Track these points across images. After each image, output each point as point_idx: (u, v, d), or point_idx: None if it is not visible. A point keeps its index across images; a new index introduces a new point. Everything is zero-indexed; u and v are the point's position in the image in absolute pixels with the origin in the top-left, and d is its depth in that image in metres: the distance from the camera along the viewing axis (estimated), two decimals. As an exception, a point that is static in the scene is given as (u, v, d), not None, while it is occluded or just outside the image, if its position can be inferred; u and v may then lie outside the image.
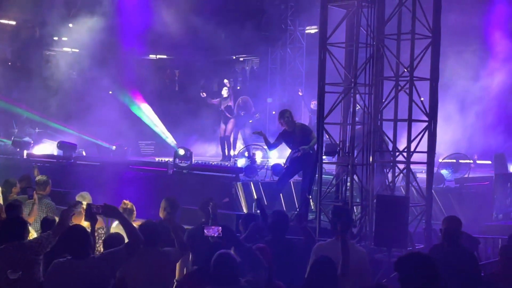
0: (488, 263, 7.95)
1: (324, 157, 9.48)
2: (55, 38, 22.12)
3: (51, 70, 21.92)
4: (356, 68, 8.87)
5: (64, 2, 18.99)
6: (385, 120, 9.11)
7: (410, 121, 8.59)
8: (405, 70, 8.66)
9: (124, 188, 11.17)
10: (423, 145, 8.85)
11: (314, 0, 17.48)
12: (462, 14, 15.73)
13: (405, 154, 8.73)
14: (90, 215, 5.89)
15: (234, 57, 24.98)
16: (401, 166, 8.83)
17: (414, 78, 8.58)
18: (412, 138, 8.69)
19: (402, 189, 9.80)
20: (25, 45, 23.23)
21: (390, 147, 9.00)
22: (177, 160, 13.13)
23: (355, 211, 9.31)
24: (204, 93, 16.60)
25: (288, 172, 10.90)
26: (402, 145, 8.89)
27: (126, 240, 5.71)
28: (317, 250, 6.16)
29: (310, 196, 9.88)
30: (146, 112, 16.52)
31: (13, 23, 23.77)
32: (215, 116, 17.33)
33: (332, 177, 9.85)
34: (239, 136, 16.82)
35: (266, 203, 11.03)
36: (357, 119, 9.35)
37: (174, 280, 6.41)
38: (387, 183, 8.90)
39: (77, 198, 8.61)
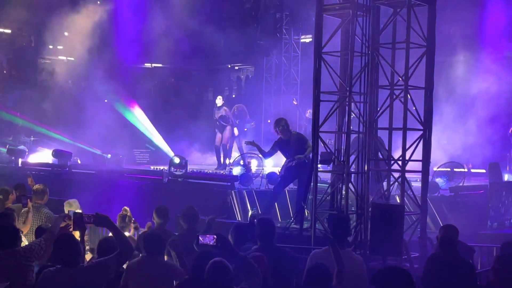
0: (483, 271, 7.95)
1: (319, 165, 9.49)
2: (51, 47, 22.14)
3: (47, 78, 21.93)
4: (351, 77, 8.90)
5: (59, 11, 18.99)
6: (380, 128, 9.14)
7: (405, 129, 8.61)
8: (400, 79, 8.69)
9: (119, 197, 11.16)
10: (418, 154, 8.87)
11: (309, 9, 17.58)
12: (456, 24, 15.83)
13: (400, 162, 8.74)
14: (79, 224, 5.88)
15: (229, 66, 25.04)
16: (396, 174, 8.85)
17: (409, 87, 8.60)
18: (407, 147, 8.71)
19: (397, 197, 9.81)
20: (20, 54, 23.25)
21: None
22: (172, 168, 13.12)
23: (350, 219, 9.30)
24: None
25: (283, 180, 10.91)
26: (397, 153, 8.90)
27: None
28: (312, 258, 6.16)
29: (305, 205, 9.88)
30: (141, 121, 16.52)
31: (9, 31, 23.79)
32: (210, 124, 17.34)
33: (327, 185, 9.85)
34: (234, 144, 16.82)
35: (260, 211, 11.04)
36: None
37: None
38: (382, 192, 8.91)
39: (65, 205, 8.59)
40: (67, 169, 14.75)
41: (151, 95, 21.51)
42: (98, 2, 19.80)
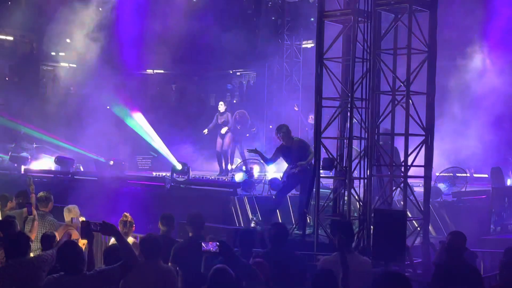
0: (485, 277, 7.93)
1: (321, 171, 9.50)
2: (53, 54, 22.20)
3: (49, 85, 21.99)
4: (353, 83, 8.91)
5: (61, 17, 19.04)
6: (382, 134, 9.14)
7: (407, 135, 8.62)
8: (402, 84, 8.70)
9: (122, 203, 11.17)
10: (420, 159, 8.86)
11: (310, 15, 17.61)
12: (458, 29, 15.84)
13: (402, 168, 8.74)
14: (87, 233, 5.86)
15: (231, 72, 25.06)
16: (399, 180, 8.84)
17: (410, 92, 8.61)
18: (409, 152, 8.71)
19: (399, 203, 9.80)
20: (22, 61, 23.31)
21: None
22: (174, 174, 13.13)
23: (353, 225, 9.30)
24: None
25: (286, 187, 10.92)
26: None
27: None
28: (323, 264, 6.21)
29: (307, 211, 9.88)
30: (143, 127, 16.54)
31: (11, 38, 23.86)
32: (213, 130, 17.36)
33: (330, 191, 9.85)
34: (236, 150, 16.84)
35: (260, 218, 11.05)
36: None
37: None
38: (384, 197, 8.91)
39: (64, 211, 8.59)
40: (70, 176, 14.78)
41: (153, 101, 21.52)
42: (100, 9, 19.84)
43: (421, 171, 8.92)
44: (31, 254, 7.11)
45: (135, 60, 20.30)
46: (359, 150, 9.35)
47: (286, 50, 20.13)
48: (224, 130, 16.29)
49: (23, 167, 15.83)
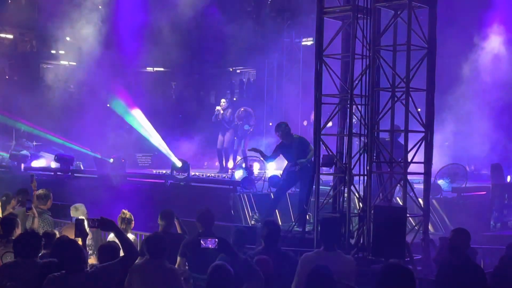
0: (486, 273, 7.92)
1: (321, 168, 9.49)
2: (53, 52, 22.19)
3: (48, 83, 21.96)
4: (352, 79, 8.90)
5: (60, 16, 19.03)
6: (382, 131, 9.14)
7: (406, 131, 8.61)
8: (401, 81, 8.69)
9: (122, 200, 11.15)
10: (420, 156, 8.86)
11: (310, 12, 17.57)
12: (458, 25, 15.82)
13: (402, 164, 8.73)
14: (81, 231, 5.86)
15: (231, 69, 25.05)
16: (398, 176, 8.84)
17: (410, 89, 8.60)
18: (409, 149, 8.70)
19: (399, 199, 9.80)
20: (22, 59, 23.31)
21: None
22: (174, 172, 13.14)
23: (352, 222, 9.30)
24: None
25: (285, 184, 10.93)
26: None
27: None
28: (303, 261, 6.17)
29: (307, 208, 9.88)
30: (143, 124, 16.54)
31: (11, 37, 23.85)
32: (212, 127, 17.37)
33: (330, 188, 9.85)
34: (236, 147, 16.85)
35: (261, 215, 11.06)
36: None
37: None
38: (384, 194, 8.90)
39: (71, 210, 8.60)
40: (70, 173, 14.79)
41: (152, 99, 21.51)
42: (100, 7, 19.82)
43: (421, 168, 8.91)
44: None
45: (135, 58, 20.30)
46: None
47: (286, 47, 20.14)
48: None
49: (23, 165, 15.83)
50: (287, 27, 20.03)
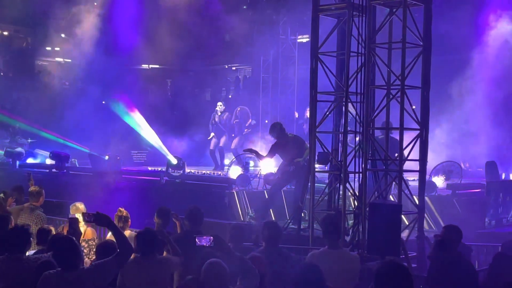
0: (480, 270, 7.96)
1: (316, 165, 9.51)
2: (48, 49, 22.13)
3: (44, 80, 21.92)
4: (348, 77, 8.91)
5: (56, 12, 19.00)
6: (377, 128, 9.15)
7: (401, 129, 8.62)
8: (397, 78, 8.70)
9: (117, 198, 11.16)
10: (415, 153, 8.88)
11: (305, 9, 17.57)
12: (452, 23, 15.83)
13: (397, 162, 8.75)
14: (74, 229, 5.84)
15: (226, 66, 25.03)
16: (394, 174, 8.85)
17: (405, 87, 8.61)
18: (404, 146, 8.72)
19: (394, 197, 9.82)
20: (17, 56, 23.25)
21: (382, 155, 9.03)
22: (169, 169, 13.14)
23: (348, 219, 9.33)
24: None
25: (280, 182, 10.95)
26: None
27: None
28: (310, 259, 6.19)
29: (303, 205, 9.89)
30: (138, 121, 16.53)
31: (6, 33, 23.78)
32: (208, 124, 17.38)
33: (325, 185, 9.86)
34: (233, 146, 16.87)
35: (255, 213, 11.07)
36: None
37: None
38: (379, 191, 8.92)
39: (71, 208, 8.60)
40: (65, 170, 14.76)
41: (148, 96, 21.50)
42: (95, 4, 19.78)
43: (416, 165, 8.93)
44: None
45: (130, 55, 20.27)
46: (353, 146, 9.34)
47: (282, 44, 20.11)
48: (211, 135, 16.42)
49: (18, 162, 15.80)
50: (283, 24, 20.02)
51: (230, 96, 23.50)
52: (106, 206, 9.48)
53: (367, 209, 8.45)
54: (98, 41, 18.85)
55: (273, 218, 11.08)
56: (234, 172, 13.63)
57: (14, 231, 6.15)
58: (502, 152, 15.72)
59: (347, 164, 9.01)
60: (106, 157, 15.08)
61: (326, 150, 9.39)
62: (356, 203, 9.06)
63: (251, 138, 18.14)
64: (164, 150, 15.23)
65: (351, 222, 9.29)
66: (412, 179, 11.54)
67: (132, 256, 5.97)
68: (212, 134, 16.70)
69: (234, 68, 25.39)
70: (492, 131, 15.88)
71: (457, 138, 15.68)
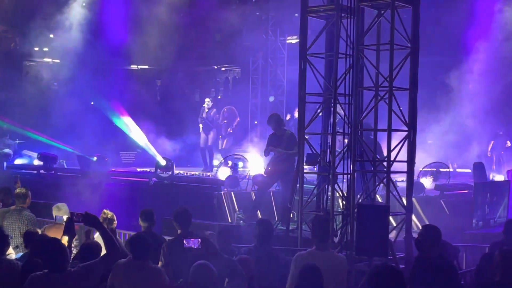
0: (468, 271, 8.00)
1: (305, 166, 9.52)
2: (36, 49, 22.03)
3: (32, 81, 21.81)
4: (336, 78, 8.93)
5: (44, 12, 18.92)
6: (365, 129, 9.17)
7: (389, 130, 8.64)
8: (385, 80, 8.73)
9: (105, 199, 11.13)
10: (403, 155, 8.90)
11: (294, 10, 17.60)
12: (440, 23, 15.92)
13: (385, 163, 8.77)
14: (70, 230, 5.81)
15: (215, 67, 25.02)
16: (382, 175, 8.88)
17: (393, 88, 8.64)
18: (392, 148, 8.74)
19: (382, 198, 9.85)
20: (5, 56, 23.08)
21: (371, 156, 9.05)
22: (158, 170, 13.12)
23: (336, 220, 9.34)
24: None
25: (267, 183, 10.97)
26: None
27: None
28: (296, 260, 6.19)
29: (291, 206, 9.90)
30: (127, 122, 16.49)
31: (-7, 33, 23.61)
32: (197, 126, 17.36)
33: (313, 186, 9.88)
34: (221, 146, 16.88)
35: (242, 214, 11.08)
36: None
37: None
38: (367, 192, 8.95)
39: (53, 209, 8.55)
40: (53, 172, 14.69)
41: (137, 97, 21.43)
42: (84, 4, 19.71)
43: (404, 167, 8.96)
44: (11, 251, 7.08)
45: (119, 56, 20.22)
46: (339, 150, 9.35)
47: (271, 45, 20.15)
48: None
49: (5, 164, 15.72)
50: (272, 26, 20.05)
51: (219, 97, 23.50)
52: (94, 207, 9.45)
53: (356, 210, 8.48)
54: (87, 42, 18.79)
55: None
56: (223, 173, 13.64)
57: None
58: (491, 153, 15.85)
59: (336, 165, 9.03)
60: (94, 158, 15.03)
61: (314, 151, 9.40)
62: (343, 203, 9.06)
63: (240, 139, 18.18)
64: (153, 151, 15.20)
65: (339, 223, 9.31)
66: (400, 180, 11.58)
67: (124, 259, 5.95)
68: (201, 125, 16.68)
69: (223, 69, 25.38)
70: (480, 132, 15.99)
71: (445, 139, 15.76)
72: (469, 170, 14.90)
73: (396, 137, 8.89)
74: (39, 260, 5.47)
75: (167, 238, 7.54)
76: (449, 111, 16.11)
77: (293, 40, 20.08)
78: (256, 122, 20.57)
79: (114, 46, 19.11)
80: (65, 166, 16.20)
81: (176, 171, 13.78)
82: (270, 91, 20.25)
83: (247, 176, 13.18)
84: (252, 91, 20.57)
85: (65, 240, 6.17)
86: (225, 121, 16.82)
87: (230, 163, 14.21)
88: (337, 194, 9.14)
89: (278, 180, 11.03)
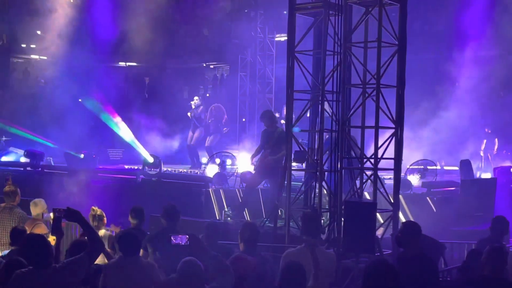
0: (454, 268, 8.05)
1: (293, 164, 9.53)
2: (23, 45, 21.92)
3: (19, 77, 21.70)
4: (324, 76, 8.95)
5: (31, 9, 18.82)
6: (353, 127, 9.20)
7: (377, 128, 8.66)
8: (372, 77, 8.75)
9: (93, 196, 11.09)
10: (391, 152, 8.94)
11: (283, 8, 17.62)
12: (428, 22, 15.99)
13: (372, 160, 8.80)
14: (57, 229, 5.76)
15: (204, 65, 25.00)
16: (369, 172, 8.91)
17: (380, 86, 8.66)
18: (379, 145, 8.77)
19: (370, 195, 9.88)
20: (-8, 53, 22.95)
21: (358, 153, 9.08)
22: (146, 168, 13.08)
23: (323, 217, 9.36)
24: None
25: (254, 180, 10.98)
26: (369, 151, 8.97)
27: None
28: (285, 258, 6.20)
29: (279, 203, 9.91)
30: (114, 120, 16.44)
31: (-20, 30, 23.45)
32: (185, 123, 17.36)
33: (301, 183, 9.89)
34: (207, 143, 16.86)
35: (230, 212, 11.09)
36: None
37: None
38: (355, 190, 8.97)
39: (30, 205, 8.51)
40: (40, 169, 14.61)
41: (125, 94, 21.38)
42: (71, 1, 19.63)
43: (391, 164, 8.99)
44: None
45: (107, 53, 20.14)
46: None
47: (259, 43, 20.16)
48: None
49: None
50: (260, 23, 20.06)
51: (207, 95, 23.48)
52: (81, 205, 9.42)
53: (343, 207, 8.50)
54: (75, 38, 18.71)
55: (249, 217, 11.12)
56: (211, 170, 13.63)
57: None
58: (476, 151, 15.93)
59: (323, 162, 9.05)
60: (82, 156, 14.96)
61: (302, 149, 9.42)
62: (326, 199, 9.09)
63: (228, 137, 18.17)
64: (141, 148, 15.16)
65: (326, 220, 9.33)
66: (388, 177, 11.62)
67: (115, 258, 5.93)
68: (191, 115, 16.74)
69: (212, 66, 25.37)
70: (467, 129, 16.07)
71: (433, 136, 15.83)
72: (457, 168, 14.99)
73: (383, 134, 8.92)
74: (22, 257, 5.43)
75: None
76: (438, 108, 16.19)
77: (282, 37, 20.11)
78: (244, 120, 20.58)
79: (102, 43, 19.04)
80: (52, 163, 16.10)
81: (164, 168, 13.75)
82: (259, 88, 20.26)
83: (235, 174, 13.18)
84: (241, 89, 20.57)
85: (52, 238, 6.14)
86: (212, 119, 16.81)
87: (218, 160, 14.20)
88: (324, 191, 9.17)
89: (266, 177, 11.04)
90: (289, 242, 8.80)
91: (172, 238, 5.36)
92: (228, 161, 14.47)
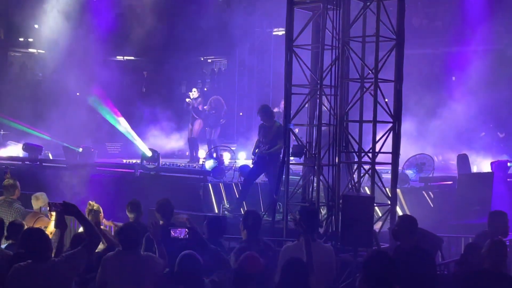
0: (451, 261, 8.08)
1: (291, 158, 9.56)
2: (21, 39, 21.88)
3: (17, 71, 21.66)
4: (322, 70, 8.96)
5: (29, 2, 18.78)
6: (351, 121, 9.22)
7: (375, 122, 8.69)
8: (370, 72, 8.77)
9: (91, 190, 11.10)
10: (388, 146, 8.96)
11: (281, 2, 17.59)
12: (426, 17, 15.99)
13: (370, 154, 8.83)
14: (60, 222, 5.77)
15: (202, 59, 24.98)
16: (367, 166, 8.94)
17: (378, 80, 8.68)
18: (377, 139, 8.79)
19: (367, 189, 9.91)
20: (-11, 46, 22.92)
21: (356, 147, 9.10)
22: (144, 161, 13.09)
23: (321, 211, 9.39)
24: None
25: (253, 173, 11.00)
26: (367, 146, 9.00)
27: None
28: (284, 252, 6.23)
29: (277, 197, 9.94)
30: (113, 114, 16.43)
31: (-23, 24, 23.41)
32: (183, 117, 17.35)
33: (299, 178, 9.92)
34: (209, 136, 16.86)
35: (228, 206, 11.11)
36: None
37: None
38: (352, 184, 9.00)
39: (32, 199, 8.52)
40: (38, 163, 14.61)
41: (123, 88, 21.36)
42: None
43: (389, 158, 9.02)
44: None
45: (105, 47, 20.10)
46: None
47: (258, 37, 20.14)
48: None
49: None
50: (259, 17, 20.03)
51: (205, 89, 23.47)
52: (80, 199, 9.45)
53: (341, 201, 8.53)
54: (72, 32, 18.67)
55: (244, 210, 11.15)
56: (209, 164, 13.64)
57: None
58: (474, 145, 15.95)
59: (321, 156, 9.07)
60: (80, 149, 14.96)
61: (300, 143, 9.44)
62: (329, 195, 9.11)
63: (226, 131, 18.17)
64: (139, 142, 15.16)
65: (324, 214, 9.36)
66: (386, 171, 11.65)
67: (114, 251, 5.94)
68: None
69: (209, 60, 25.35)
70: (465, 124, 16.10)
71: (431, 130, 15.86)
72: (454, 162, 15.02)
73: (381, 129, 8.94)
74: (23, 251, 5.46)
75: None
76: (435, 102, 16.21)
77: (280, 32, 20.09)
78: (241, 114, 20.59)
79: (100, 37, 18.99)
80: (51, 157, 16.10)
81: (162, 162, 13.75)
82: (257, 82, 20.26)
83: (234, 167, 13.19)
84: (239, 83, 20.57)
85: (49, 231, 6.15)
86: (213, 111, 16.79)
87: (216, 154, 14.21)
88: (322, 186, 9.19)
89: (264, 171, 11.05)
90: (287, 236, 8.83)
91: (171, 231, 5.38)
92: (226, 155, 14.48)
